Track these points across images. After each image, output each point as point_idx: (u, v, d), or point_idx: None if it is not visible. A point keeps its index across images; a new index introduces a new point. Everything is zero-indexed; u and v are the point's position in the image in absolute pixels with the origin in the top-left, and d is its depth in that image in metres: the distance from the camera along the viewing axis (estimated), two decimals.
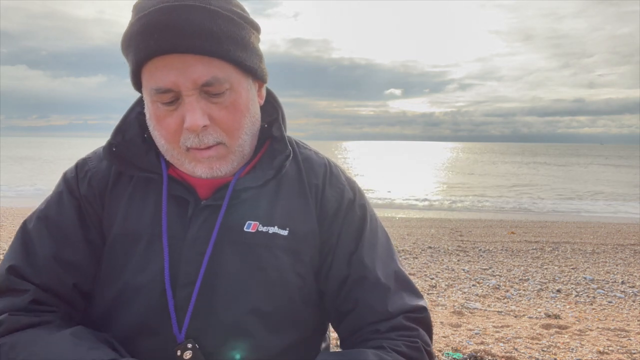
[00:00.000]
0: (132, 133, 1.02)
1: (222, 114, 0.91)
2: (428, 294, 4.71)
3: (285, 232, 0.98)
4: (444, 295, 4.66)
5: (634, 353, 3.13)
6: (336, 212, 1.03)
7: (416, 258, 6.35)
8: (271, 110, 1.07)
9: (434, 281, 5.16)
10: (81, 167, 1.06)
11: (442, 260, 6.29)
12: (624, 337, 3.47)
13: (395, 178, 29.69)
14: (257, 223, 0.98)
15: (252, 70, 0.94)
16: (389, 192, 21.21)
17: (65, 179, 1.06)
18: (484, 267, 5.88)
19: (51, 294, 0.96)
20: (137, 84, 0.96)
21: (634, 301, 4.61)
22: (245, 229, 0.97)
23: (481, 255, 6.64)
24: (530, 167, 44.32)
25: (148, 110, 0.95)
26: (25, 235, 1.00)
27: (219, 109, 0.91)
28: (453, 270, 5.71)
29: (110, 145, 1.01)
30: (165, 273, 0.94)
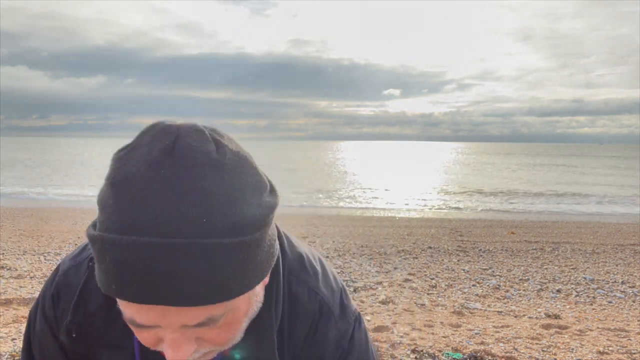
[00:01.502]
0: (95, 303, 0.85)
1: (214, 334, 0.73)
2: (428, 294, 4.71)
3: None
4: (444, 295, 4.66)
5: (634, 353, 3.13)
6: None
7: (416, 258, 6.34)
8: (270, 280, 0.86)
9: (434, 281, 5.16)
10: (55, 307, 0.90)
11: (442, 260, 6.29)
12: (624, 337, 3.47)
13: (395, 178, 29.70)
14: None
15: (261, 282, 0.75)
16: (388, 191, 21.22)
17: (45, 316, 0.91)
18: (484, 267, 5.88)
19: None
20: None
21: (634, 301, 4.61)
22: None
23: (481, 255, 6.64)
24: (529, 167, 44.32)
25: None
26: None
27: (210, 330, 0.72)
28: (453, 270, 5.70)
29: (68, 330, 0.84)
30: None
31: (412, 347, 3.10)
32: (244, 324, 0.78)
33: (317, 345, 0.88)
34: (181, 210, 0.63)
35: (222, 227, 0.65)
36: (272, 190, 0.75)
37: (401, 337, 3.30)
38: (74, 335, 0.84)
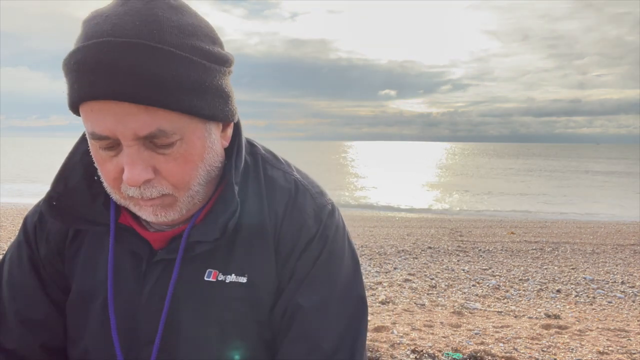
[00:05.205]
0: (76, 179, 0.90)
1: (169, 167, 0.78)
2: (428, 294, 4.71)
3: (244, 279, 0.88)
4: (444, 296, 4.66)
5: (634, 353, 3.13)
6: (290, 252, 0.90)
7: (416, 258, 6.34)
8: (231, 143, 0.91)
9: (434, 281, 5.16)
10: (40, 218, 0.96)
11: (442, 260, 6.29)
12: (623, 337, 3.47)
13: (395, 178, 29.71)
14: (217, 271, 0.88)
15: (212, 116, 0.80)
16: (387, 191, 21.22)
17: (25, 230, 0.97)
18: (483, 267, 5.88)
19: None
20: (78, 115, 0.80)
21: (633, 301, 4.61)
22: (205, 278, 0.88)
23: (481, 256, 6.64)
24: (528, 167, 44.36)
25: (90, 148, 0.82)
26: None
27: (166, 160, 0.78)
28: (453, 270, 5.70)
29: (49, 198, 0.88)
30: (113, 335, 0.87)
31: (412, 347, 3.10)
32: (200, 170, 0.82)
33: (296, 216, 0.91)
34: (137, 23, 0.72)
35: (173, 41, 0.74)
36: (230, 61, 0.84)
37: (401, 337, 3.30)
38: (54, 204, 0.88)
